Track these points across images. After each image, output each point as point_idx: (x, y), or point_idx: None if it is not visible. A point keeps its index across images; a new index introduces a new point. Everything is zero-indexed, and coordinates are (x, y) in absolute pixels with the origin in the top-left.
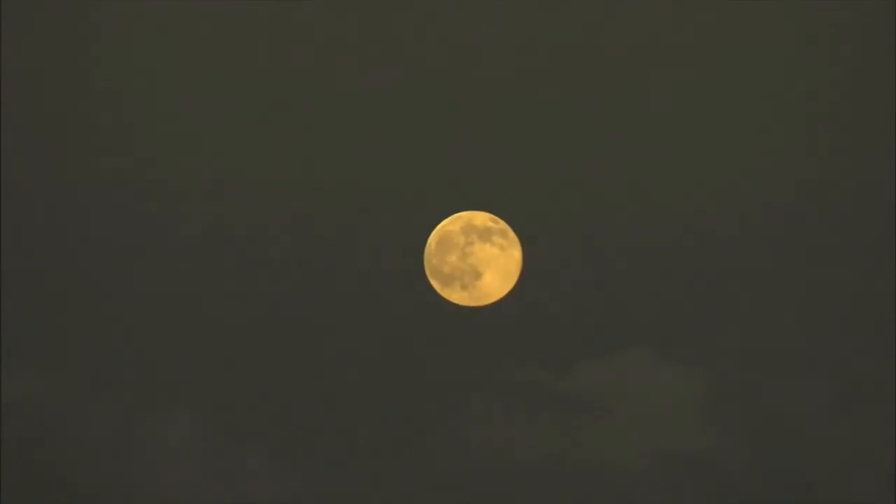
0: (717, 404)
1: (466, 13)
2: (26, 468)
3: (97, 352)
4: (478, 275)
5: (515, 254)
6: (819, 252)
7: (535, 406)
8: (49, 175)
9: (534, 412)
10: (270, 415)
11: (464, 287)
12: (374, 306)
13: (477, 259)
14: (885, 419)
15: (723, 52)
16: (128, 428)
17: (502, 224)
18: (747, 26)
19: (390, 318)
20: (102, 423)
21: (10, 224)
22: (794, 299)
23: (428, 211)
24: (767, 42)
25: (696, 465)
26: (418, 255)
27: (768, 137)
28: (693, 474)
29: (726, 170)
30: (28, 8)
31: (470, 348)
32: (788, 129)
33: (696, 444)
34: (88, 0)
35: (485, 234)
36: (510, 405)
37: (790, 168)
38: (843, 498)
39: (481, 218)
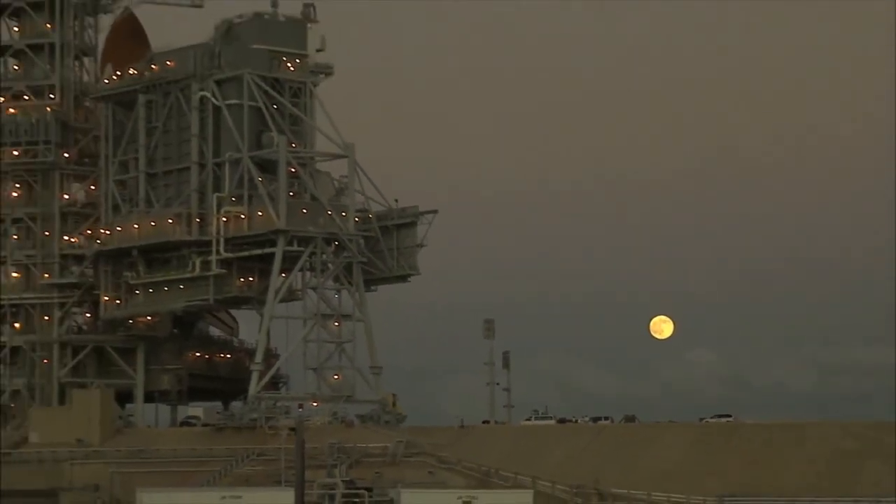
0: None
1: None
2: None
3: None
4: (662, 331)
5: (670, 326)
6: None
7: None
8: None
9: None
10: None
11: (659, 335)
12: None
13: (662, 327)
14: None
15: None
16: None
17: (669, 319)
18: None
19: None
20: None
21: None
22: None
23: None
24: None
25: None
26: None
27: None
28: None
29: None
30: None
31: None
32: None
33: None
34: None
35: (665, 322)
36: None
37: None
38: None
39: (663, 318)
